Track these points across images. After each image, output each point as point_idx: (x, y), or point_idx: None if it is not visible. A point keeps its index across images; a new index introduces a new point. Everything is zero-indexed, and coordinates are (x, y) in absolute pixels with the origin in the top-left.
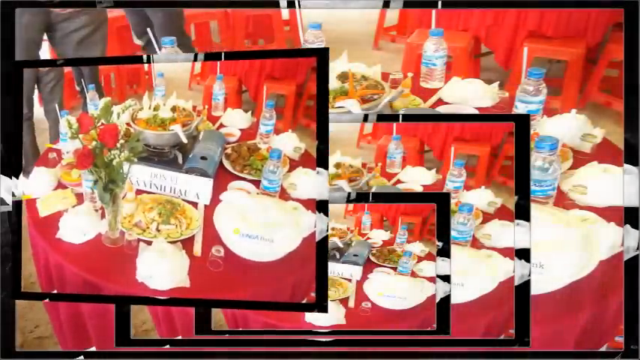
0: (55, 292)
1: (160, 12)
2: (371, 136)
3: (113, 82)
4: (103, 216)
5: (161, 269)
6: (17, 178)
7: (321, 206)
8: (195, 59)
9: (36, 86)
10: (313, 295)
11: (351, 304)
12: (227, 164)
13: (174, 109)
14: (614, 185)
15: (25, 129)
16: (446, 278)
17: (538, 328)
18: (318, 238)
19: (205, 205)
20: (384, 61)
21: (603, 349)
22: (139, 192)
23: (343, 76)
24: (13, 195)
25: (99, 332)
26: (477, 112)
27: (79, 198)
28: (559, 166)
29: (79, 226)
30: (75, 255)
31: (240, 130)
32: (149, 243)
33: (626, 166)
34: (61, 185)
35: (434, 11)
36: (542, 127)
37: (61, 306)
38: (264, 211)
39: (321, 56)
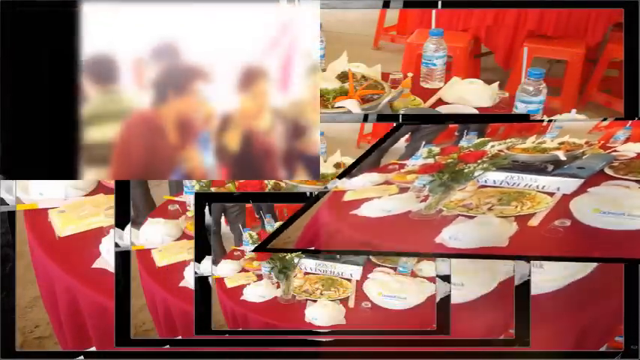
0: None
1: None
2: (371, 136)
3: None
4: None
5: None
6: None
7: None
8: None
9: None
10: None
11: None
12: None
13: (344, 75)
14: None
15: None
16: None
17: (538, 328)
18: None
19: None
20: (384, 61)
21: (603, 349)
22: None
23: (343, 76)
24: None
25: (99, 332)
26: (476, 112)
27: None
28: None
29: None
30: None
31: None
32: None
33: None
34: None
35: (434, 11)
36: None
37: (61, 306)
38: None
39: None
